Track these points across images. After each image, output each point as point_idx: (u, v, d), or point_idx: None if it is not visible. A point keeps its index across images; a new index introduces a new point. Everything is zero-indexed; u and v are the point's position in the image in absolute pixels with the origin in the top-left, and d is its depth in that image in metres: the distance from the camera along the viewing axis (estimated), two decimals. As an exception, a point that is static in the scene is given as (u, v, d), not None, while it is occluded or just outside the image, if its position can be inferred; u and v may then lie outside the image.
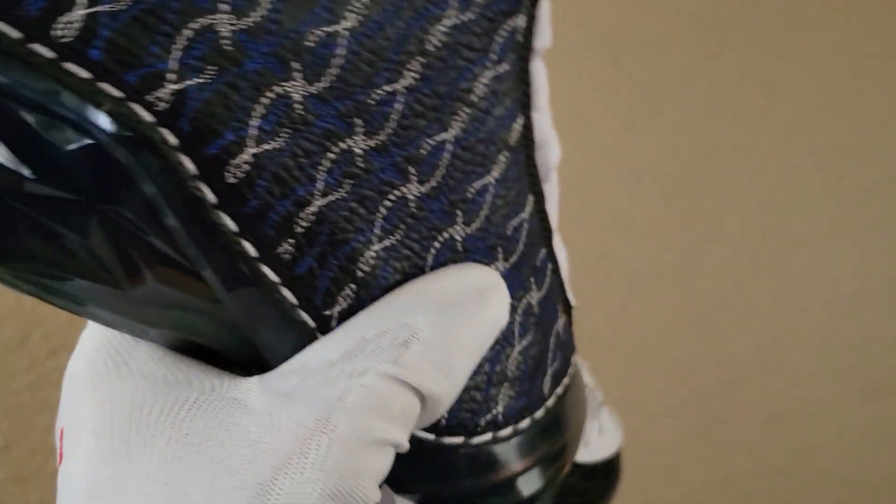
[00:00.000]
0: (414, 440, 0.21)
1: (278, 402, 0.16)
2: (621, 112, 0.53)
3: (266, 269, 0.17)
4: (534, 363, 0.23)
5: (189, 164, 0.16)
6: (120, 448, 0.16)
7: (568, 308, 0.25)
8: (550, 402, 0.24)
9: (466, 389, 0.21)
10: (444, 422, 0.21)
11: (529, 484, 0.23)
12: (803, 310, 0.59)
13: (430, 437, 0.21)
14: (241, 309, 0.18)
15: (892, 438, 0.60)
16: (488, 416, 0.22)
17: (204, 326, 0.18)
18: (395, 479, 0.21)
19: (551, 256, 0.23)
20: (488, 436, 0.22)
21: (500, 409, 0.22)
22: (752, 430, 0.60)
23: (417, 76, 0.18)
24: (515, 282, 0.21)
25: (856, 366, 0.59)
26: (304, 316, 0.18)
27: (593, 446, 0.29)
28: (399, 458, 0.20)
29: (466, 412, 0.22)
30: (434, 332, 0.17)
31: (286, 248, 0.18)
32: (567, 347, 0.25)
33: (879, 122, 0.57)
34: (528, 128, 0.20)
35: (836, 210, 0.58)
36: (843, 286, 0.58)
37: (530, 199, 0.21)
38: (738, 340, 0.62)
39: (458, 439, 0.22)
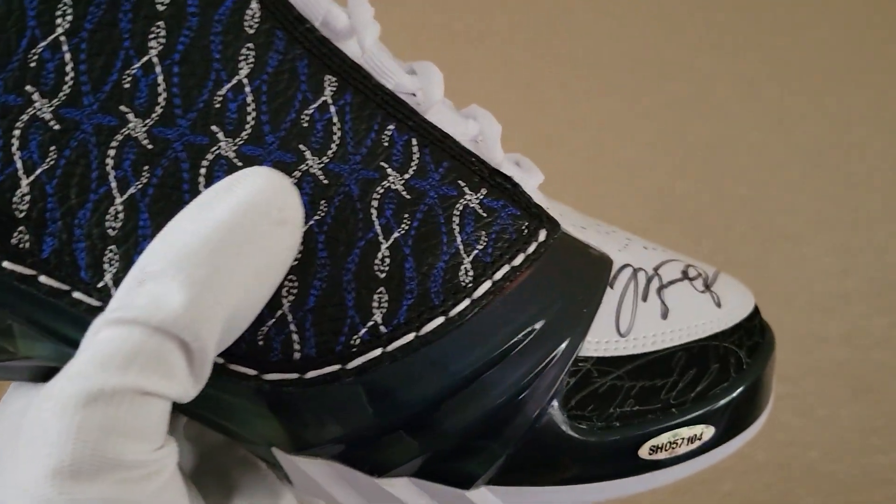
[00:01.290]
0: (272, 386, 0.18)
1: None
2: (603, 111, 0.53)
3: (13, 266, 0.16)
4: (424, 254, 0.19)
5: None
6: None
7: (494, 179, 0.21)
8: (480, 293, 0.20)
9: (316, 309, 0.19)
10: (297, 355, 0.18)
11: (483, 396, 0.19)
12: (789, 305, 0.58)
13: (293, 376, 0.19)
14: (22, 316, 0.17)
15: (883, 433, 0.59)
16: (362, 332, 0.19)
17: (36, 349, 0.17)
18: (293, 437, 0.19)
19: (416, 129, 0.20)
20: (374, 353, 0.19)
21: (378, 318, 0.19)
22: (737, 427, 0.59)
23: (71, 18, 0.16)
24: (354, 173, 0.19)
25: (843, 360, 0.59)
26: (84, 298, 0.17)
27: (645, 336, 0.22)
28: (275, 411, 0.18)
29: (326, 334, 0.19)
30: (167, 260, 0.15)
31: (19, 237, 0.17)
32: (500, 226, 0.21)
33: (861, 118, 0.57)
34: (277, 8, 0.18)
35: (821, 205, 0.57)
36: (829, 280, 0.58)
37: (328, 79, 0.19)
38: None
39: (332, 368, 0.19)
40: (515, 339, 0.20)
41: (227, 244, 0.16)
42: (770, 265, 0.58)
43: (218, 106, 0.18)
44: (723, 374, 0.23)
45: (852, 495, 0.60)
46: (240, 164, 0.18)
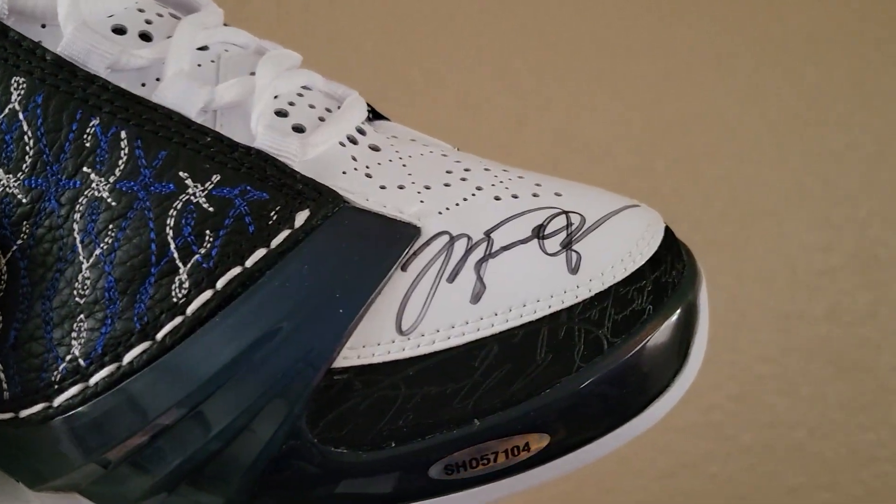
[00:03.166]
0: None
1: None
2: (574, 90, 0.53)
3: None
4: (129, 271, 0.17)
5: None
6: None
7: (234, 159, 0.18)
8: (195, 307, 0.17)
9: (17, 345, 0.17)
10: (6, 394, 0.17)
11: (201, 429, 0.17)
12: (770, 282, 0.58)
13: (9, 416, 0.17)
14: None
15: (869, 410, 0.59)
16: (62, 366, 0.17)
17: None
18: (29, 474, 0.18)
19: (127, 119, 0.17)
20: (76, 388, 0.17)
21: (76, 350, 0.17)
22: (720, 409, 0.60)
23: None
24: (53, 186, 0.17)
25: (827, 338, 0.59)
26: None
27: (438, 330, 0.18)
28: (3, 450, 0.17)
29: (30, 371, 0.17)
30: None
31: None
32: (233, 219, 0.18)
33: (840, 91, 0.57)
34: None
35: (800, 180, 0.57)
36: (810, 256, 0.58)
37: (16, 81, 0.17)
38: (704, 318, 0.61)
39: (40, 407, 0.17)
40: (239, 357, 0.17)
41: None
42: (750, 243, 0.57)
43: None
44: (559, 366, 0.19)
45: (839, 474, 0.60)
46: None
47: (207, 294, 0.18)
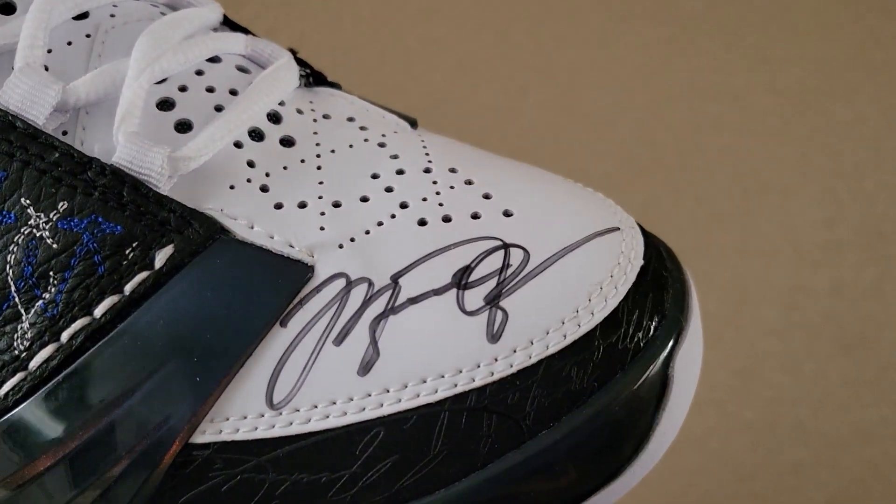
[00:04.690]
0: None
1: None
2: (576, 57, 0.52)
3: None
4: None
5: None
6: None
7: (84, 180, 0.15)
8: (37, 363, 0.15)
9: None
10: None
11: None
12: (774, 258, 0.58)
13: None
14: None
15: (873, 387, 0.59)
16: None
17: None
18: None
19: None
20: None
21: None
22: (722, 384, 0.60)
23: None
24: None
25: (832, 314, 0.58)
26: None
27: (317, 406, 0.15)
28: None
29: None
30: None
31: None
32: (81, 258, 0.15)
33: (848, 62, 0.57)
34: None
35: (806, 153, 0.57)
36: (816, 231, 0.58)
37: None
38: (706, 293, 0.61)
39: None
40: (83, 425, 0.15)
41: None
42: (754, 216, 0.57)
43: None
44: (461, 461, 0.15)
45: (842, 453, 0.60)
46: None
47: (51, 348, 0.15)
